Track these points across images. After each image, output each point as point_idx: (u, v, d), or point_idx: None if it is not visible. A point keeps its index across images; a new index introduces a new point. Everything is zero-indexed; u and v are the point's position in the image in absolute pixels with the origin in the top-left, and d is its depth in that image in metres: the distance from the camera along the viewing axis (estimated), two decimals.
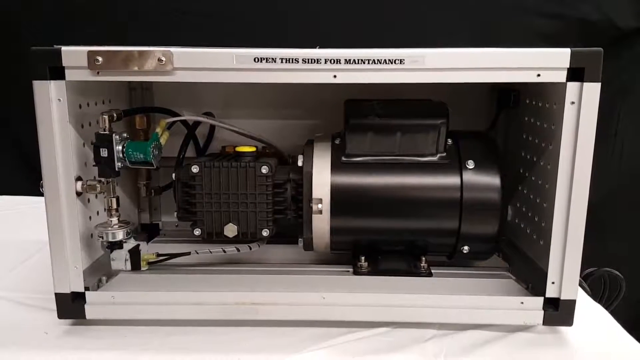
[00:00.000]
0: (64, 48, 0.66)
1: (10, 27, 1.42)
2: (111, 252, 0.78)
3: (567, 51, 0.66)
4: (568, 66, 0.66)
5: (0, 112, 1.49)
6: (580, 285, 0.84)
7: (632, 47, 1.37)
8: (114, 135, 0.74)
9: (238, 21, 1.39)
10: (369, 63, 0.67)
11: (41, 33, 1.40)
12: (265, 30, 1.39)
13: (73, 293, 0.73)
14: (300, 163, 0.80)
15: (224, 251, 0.83)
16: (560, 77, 0.67)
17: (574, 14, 1.35)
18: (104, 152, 0.74)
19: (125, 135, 0.76)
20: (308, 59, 0.67)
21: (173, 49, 0.67)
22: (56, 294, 0.73)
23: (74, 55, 0.66)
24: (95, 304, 0.73)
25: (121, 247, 0.78)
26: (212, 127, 0.97)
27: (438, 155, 0.79)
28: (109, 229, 0.77)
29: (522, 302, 0.73)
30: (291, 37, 1.37)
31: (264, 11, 1.39)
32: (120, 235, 0.77)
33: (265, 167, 0.79)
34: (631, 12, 1.34)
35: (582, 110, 0.66)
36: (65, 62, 0.66)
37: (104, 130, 0.74)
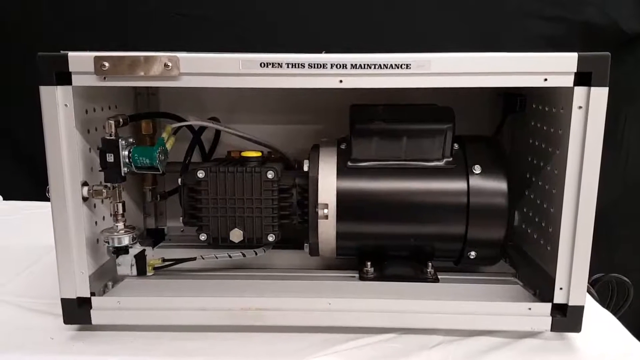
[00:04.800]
0: (70, 53, 0.66)
1: (11, 32, 1.43)
2: (117, 257, 0.78)
3: (574, 55, 0.65)
4: (575, 70, 0.66)
5: (5, 117, 1.50)
6: (588, 291, 0.83)
7: (636, 52, 1.36)
8: (120, 140, 0.74)
9: (238, 24, 1.39)
10: (375, 68, 0.67)
11: (42, 38, 1.41)
12: (265, 33, 1.39)
13: (79, 298, 0.73)
14: (306, 168, 0.80)
15: (230, 256, 0.83)
16: (568, 81, 0.66)
17: (578, 17, 1.35)
18: (110, 158, 0.74)
19: (131, 140, 0.76)
20: (314, 64, 0.67)
21: (179, 54, 0.67)
22: (62, 299, 0.73)
23: (80, 60, 0.67)
24: (101, 309, 0.73)
25: (127, 252, 0.78)
26: (218, 132, 0.97)
27: (444, 160, 0.79)
28: (115, 234, 0.77)
29: (529, 308, 0.73)
30: (292, 42, 1.37)
31: (263, 14, 1.39)
32: (126, 240, 0.77)
33: (271, 172, 0.79)
34: (636, 16, 1.34)
35: (589, 114, 0.66)
36: (72, 68, 0.66)
37: (110, 135, 0.74)
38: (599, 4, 1.34)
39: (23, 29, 1.42)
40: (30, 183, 1.48)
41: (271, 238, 0.81)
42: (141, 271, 0.80)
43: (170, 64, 0.67)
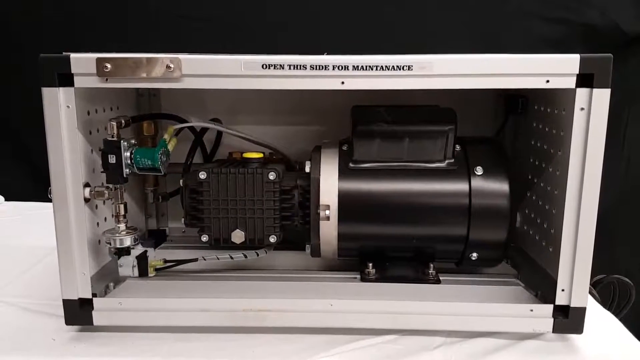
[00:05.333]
0: (72, 55, 0.66)
1: (12, 33, 1.43)
2: (119, 258, 0.78)
3: (576, 57, 0.65)
4: (577, 72, 0.65)
5: (7, 118, 1.50)
6: (590, 292, 0.83)
7: (637, 53, 1.36)
8: (122, 141, 0.74)
9: (238, 26, 1.39)
10: (377, 69, 0.67)
11: (42, 39, 1.40)
12: (266, 34, 1.39)
13: (81, 299, 0.73)
14: (307, 169, 0.80)
15: (231, 257, 0.83)
16: (570, 83, 0.66)
17: (580, 19, 1.35)
18: (112, 159, 0.74)
19: (133, 141, 0.76)
20: (316, 66, 0.67)
21: (181, 56, 0.67)
22: (64, 300, 0.73)
23: (82, 62, 0.67)
24: (103, 310, 0.73)
25: (129, 254, 0.78)
26: (220, 134, 0.97)
27: (446, 161, 0.79)
28: (117, 235, 0.77)
29: (531, 310, 0.72)
30: (292, 43, 1.37)
31: (264, 16, 1.39)
32: (127, 241, 0.77)
33: (272, 173, 0.79)
34: (636, 17, 1.33)
35: (591, 116, 0.66)
36: (74, 69, 0.67)
37: (112, 136, 0.74)
38: (599, 5, 1.33)
39: (24, 29, 1.42)
40: (32, 184, 1.48)
41: (273, 239, 0.81)
42: (143, 272, 0.80)
43: (172, 65, 0.67)
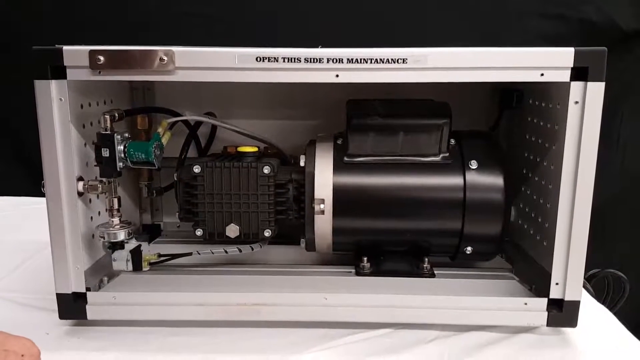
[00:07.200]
0: (65, 47, 0.66)
1: (11, 30, 1.42)
2: (112, 252, 0.78)
3: (570, 50, 0.65)
4: (572, 65, 0.66)
5: (0, 112, 1.49)
6: (584, 286, 0.83)
7: (633, 49, 1.36)
8: (115, 135, 0.73)
9: (239, 22, 1.39)
10: (371, 62, 0.67)
11: (42, 36, 1.40)
12: (266, 30, 1.39)
13: (74, 293, 0.73)
14: (302, 163, 0.79)
15: (226, 252, 0.83)
16: (564, 76, 0.66)
17: (576, 15, 1.35)
18: (105, 152, 0.73)
19: (126, 135, 0.76)
20: (310, 59, 0.67)
21: (175, 48, 0.66)
22: (57, 295, 0.72)
23: (75, 54, 0.66)
24: (97, 305, 0.73)
25: (122, 248, 0.78)
26: (214, 127, 0.97)
27: (441, 155, 0.79)
28: (111, 229, 0.76)
29: (525, 303, 0.73)
30: (290, 37, 1.37)
31: (264, 12, 1.39)
32: (121, 235, 0.77)
33: (267, 167, 0.79)
34: (633, 14, 1.34)
35: (585, 109, 0.66)
36: (66, 62, 0.66)
37: (106, 130, 0.74)
38: (597, 2, 1.34)
39: (21, 26, 1.42)
40: (26, 179, 1.48)
41: (267, 233, 0.81)
42: (137, 266, 0.80)
43: (165, 58, 0.66)
